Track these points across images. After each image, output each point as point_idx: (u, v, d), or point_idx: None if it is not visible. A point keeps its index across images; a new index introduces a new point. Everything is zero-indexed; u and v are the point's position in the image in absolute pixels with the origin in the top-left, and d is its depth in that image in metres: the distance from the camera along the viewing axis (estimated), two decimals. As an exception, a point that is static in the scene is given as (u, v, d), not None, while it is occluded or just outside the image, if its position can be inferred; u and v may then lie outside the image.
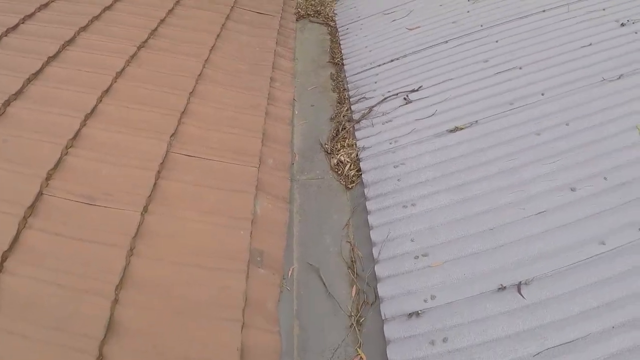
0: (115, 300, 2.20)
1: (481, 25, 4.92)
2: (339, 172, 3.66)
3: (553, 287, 2.45)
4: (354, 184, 3.54)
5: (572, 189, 2.91)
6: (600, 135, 3.19)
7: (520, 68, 4.09)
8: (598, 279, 2.43)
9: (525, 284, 2.49)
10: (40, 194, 2.55)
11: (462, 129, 3.62)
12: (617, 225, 2.66)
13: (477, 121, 3.66)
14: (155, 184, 2.81)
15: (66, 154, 2.83)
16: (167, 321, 2.22)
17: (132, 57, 3.91)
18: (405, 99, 4.18)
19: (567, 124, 3.36)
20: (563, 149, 3.19)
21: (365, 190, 3.37)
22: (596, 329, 2.25)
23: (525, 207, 2.89)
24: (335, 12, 6.81)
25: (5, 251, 2.22)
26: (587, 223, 2.71)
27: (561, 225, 2.72)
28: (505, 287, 2.51)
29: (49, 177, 2.64)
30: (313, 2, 7.11)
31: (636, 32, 4.08)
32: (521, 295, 2.46)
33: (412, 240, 2.90)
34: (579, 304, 2.35)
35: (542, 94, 3.73)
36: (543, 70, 3.98)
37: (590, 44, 4.07)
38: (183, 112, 3.44)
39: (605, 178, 2.93)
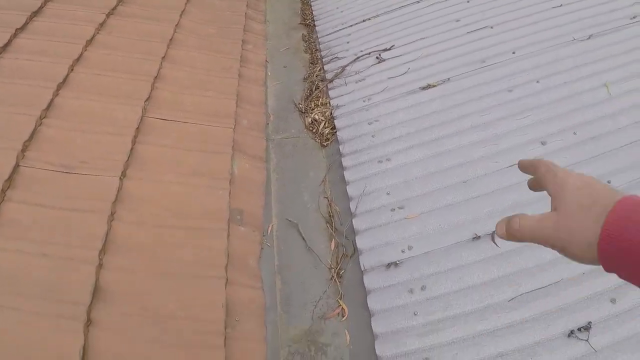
0: (100, 266, 2.23)
1: (452, -15, 4.93)
2: (314, 130, 3.69)
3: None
4: (329, 142, 3.56)
5: (543, 143, 2.98)
6: (570, 92, 3.25)
7: (491, 27, 4.12)
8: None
9: (497, 232, 2.55)
10: (17, 165, 2.54)
11: (434, 86, 3.65)
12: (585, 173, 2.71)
13: (449, 79, 3.69)
14: (132, 149, 2.81)
15: (40, 124, 2.81)
16: (152, 283, 2.25)
17: (102, 24, 3.87)
18: (377, 58, 4.19)
19: (537, 82, 3.42)
20: (534, 105, 3.25)
21: (341, 147, 3.40)
22: (568, 275, 2.33)
23: (497, 160, 2.95)
24: (304, -27, 6.77)
25: (-15, 225, 2.23)
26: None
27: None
28: (479, 237, 2.58)
29: (24, 148, 2.64)
30: (282, -36, 7.06)
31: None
32: (495, 243, 2.53)
33: (388, 194, 2.95)
34: (550, 252, 2.40)
35: (513, 53, 3.77)
36: (514, 30, 4.01)
37: (561, 5, 4.11)
38: (156, 77, 3.43)
39: (574, 133, 2.99)
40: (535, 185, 1.00)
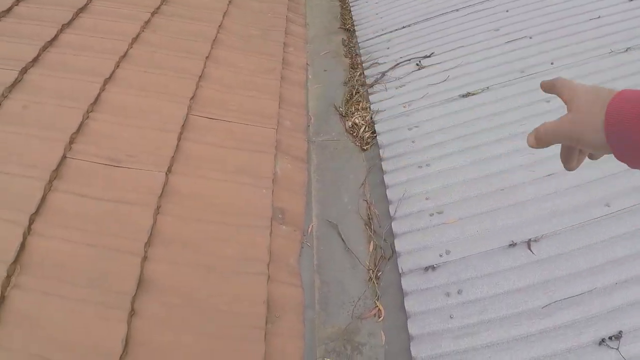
0: (145, 258, 2.28)
1: (491, -6, 4.95)
2: (354, 134, 3.72)
3: (561, 244, 2.54)
4: (369, 146, 3.59)
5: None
6: (607, 103, 3.25)
7: (530, 37, 4.13)
8: (603, 238, 2.52)
9: (535, 240, 2.57)
10: (64, 157, 2.61)
11: (474, 94, 3.67)
12: (621, 189, 2.74)
13: (488, 87, 3.70)
14: (177, 145, 2.87)
15: (87, 118, 2.89)
16: (196, 276, 2.30)
17: (147, 23, 3.95)
18: (417, 64, 4.22)
19: (576, 92, 3.42)
20: (572, 116, 3.25)
21: (381, 152, 3.43)
22: (601, 284, 2.33)
23: (535, 169, 2.95)
24: (344, -23, 6.81)
25: (33, 214, 2.28)
26: (594, 186, 2.78)
27: (569, 187, 2.80)
28: (515, 244, 2.59)
29: (72, 141, 2.71)
30: (322, -31, 7.10)
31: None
32: (531, 251, 2.54)
33: (427, 199, 2.97)
34: (584, 261, 2.44)
35: (552, 63, 3.77)
36: (553, 41, 4.01)
37: (599, 17, 4.10)
38: (200, 76, 3.49)
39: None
40: (546, 88, 1.18)
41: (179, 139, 2.91)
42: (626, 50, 3.68)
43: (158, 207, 2.50)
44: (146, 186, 2.58)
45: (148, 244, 2.33)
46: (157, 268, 2.27)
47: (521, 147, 3.11)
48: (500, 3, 4.75)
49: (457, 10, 4.90)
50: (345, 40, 5.14)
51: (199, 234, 2.47)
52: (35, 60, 3.20)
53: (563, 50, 3.86)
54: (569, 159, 1.13)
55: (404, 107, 3.76)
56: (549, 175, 2.89)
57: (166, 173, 2.66)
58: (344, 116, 3.91)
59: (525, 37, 4.16)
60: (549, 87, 1.16)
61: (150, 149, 2.78)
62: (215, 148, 2.98)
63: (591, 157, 1.12)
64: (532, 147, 1.09)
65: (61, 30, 3.55)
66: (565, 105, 1.03)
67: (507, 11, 4.59)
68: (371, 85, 4.15)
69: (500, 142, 3.20)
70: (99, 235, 2.30)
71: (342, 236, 2.97)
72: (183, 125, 3.00)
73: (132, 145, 2.79)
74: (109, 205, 2.45)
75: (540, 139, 1.06)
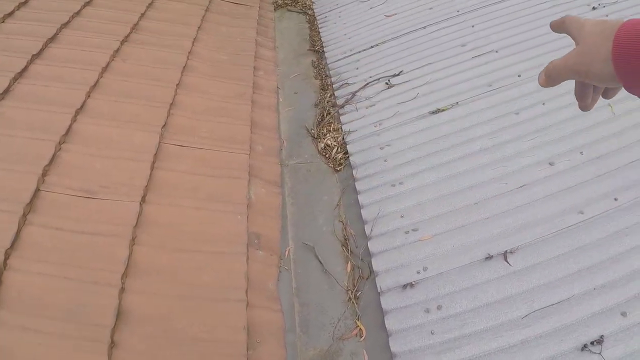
0: (122, 289, 2.27)
1: (457, 11, 5.01)
2: (327, 155, 3.74)
3: (537, 254, 2.59)
4: (341, 167, 3.61)
5: (551, 164, 3.04)
6: (576, 113, 3.31)
7: (496, 51, 4.20)
8: (578, 246, 2.57)
9: (511, 252, 2.61)
10: (37, 190, 2.59)
11: (444, 110, 3.72)
12: (593, 196, 2.80)
13: (457, 103, 3.76)
14: (150, 174, 2.87)
15: (59, 149, 2.87)
16: (174, 306, 2.29)
17: (116, 51, 3.95)
18: (387, 83, 4.27)
19: (543, 104, 3.50)
20: (541, 126, 3.33)
21: (354, 172, 3.45)
22: (578, 291, 2.37)
23: (507, 182, 3.00)
24: (312, 0, 6.85)
25: (8, 249, 2.26)
26: (566, 194, 2.85)
27: (542, 198, 2.86)
28: (492, 256, 2.63)
29: (44, 173, 2.69)
30: (289, -9, 7.15)
31: (607, 15, 4.19)
32: (507, 262, 2.58)
33: (402, 217, 3.00)
34: (561, 269, 2.49)
35: (519, 76, 3.85)
36: (518, 54, 4.10)
37: (562, 31, 4.18)
38: (171, 103, 3.50)
39: (581, 152, 3.06)
40: (555, 26, 1.14)
41: (152, 168, 2.91)
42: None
43: (133, 238, 2.50)
44: (121, 217, 2.57)
45: (125, 275, 2.32)
46: (135, 299, 2.26)
47: (492, 161, 3.16)
48: (466, 19, 4.83)
49: (424, 27, 4.97)
50: (314, 62, 5.18)
51: (176, 263, 2.47)
52: (5, 91, 3.18)
53: (529, 62, 3.93)
54: (584, 96, 1.14)
55: (375, 126, 3.79)
56: (520, 186, 2.95)
57: (140, 203, 2.66)
58: (316, 138, 3.93)
59: (492, 51, 4.23)
60: (558, 26, 1.14)
61: (123, 179, 2.78)
62: (188, 175, 2.98)
63: (605, 95, 1.13)
64: (543, 86, 1.09)
65: (31, 61, 3.54)
66: (576, 37, 1.02)
67: (472, 26, 4.67)
68: (342, 106, 4.18)
69: (470, 156, 3.25)
70: (75, 268, 2.29)
71: (320, 258, 2.98)
72: (155, 154, 3.00)
73: (105, 176, 2.79)
74: (84, 237, 2.44)
75: (549, 76, 1.06)
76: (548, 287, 2.42)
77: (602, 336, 2.19)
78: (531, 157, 3.12)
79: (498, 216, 2.82)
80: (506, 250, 2.62)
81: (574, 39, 1.02)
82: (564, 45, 3.94)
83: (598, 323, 2.25)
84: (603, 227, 2.61)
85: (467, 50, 4.38)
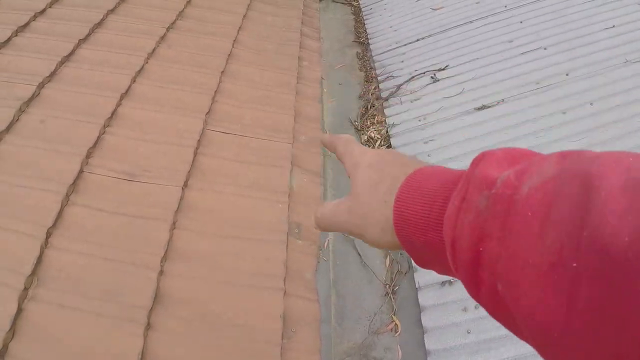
0: (161, 272, 2.29)
1: (505, 6, 4.96)
2: (370, 147, 3.73)
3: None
4: (385, 160, 3.60)
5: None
6: (623, 115, 3.25)
7: (545, 49, 4.15)
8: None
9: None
10: (81, 171, 2.63)
11: (489, 107, 3.69)
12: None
13: (503, 100, 3.72)
14: (193, 160, 2.89)
15: (104, 133, 2.91)
16: (212, 291, 2.31)
17: (162, 38, 3.98)
18: (432, 77, 4.25)
19: (591, 104, 3.44)
20: (588, 127, 3.27)
21: (397, 166, 3.44)
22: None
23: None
24: (358, -10, 6.85)
25: (50, 227, 2.30)
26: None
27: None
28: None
29: (88, 155, 2.73)
30: (335, -18, 7.14)
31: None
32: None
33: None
34: None
35: (567, 74, 3.79)
36: (567, 52, 4.03)
37: (613, 26, 4.11)
38: (216, 90, 3.51)
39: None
40: (327, 146, 0.92)
41: (195, 154, 2.93)
42: (640, 59, 3.69)
43: (174, 222, 2.52)
44: (162, 201, 2.59)
45: (164, 258, 2.34)
46: (173, 283, 2.28)
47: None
48: (513, 15, 4.77)
49: (470, 22, 4.93)
50: (359, 54, 5.18)
51: (215, 248, 2.48)
52: (52, 75, 3.23)
53: (577, 62, 3.87)
54: None
55: (419, 120, 3.77)
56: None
57: (182, 188, 2.68)
58: (359, 130, 3.92)
59: (540, 48, 4.18)
60: (328, 145, 0.92)
61: (166, 164, 2.80)
62: (231, 162, 2.99)
63: None
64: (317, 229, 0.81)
65: (78, 46, 3.58)
66: (350, 178, 0.78)
67: (520, 22, 4.61)
68: (386, 99, 4.17)
69: (517, 155, 3.21)
70: (115, 249, 2.31)
71: (359, 251, 2.97)
72: (199, 140, 3.02)
73: (148, 160, 2.81)
74: (125, 219, 2.46)
75: (317, 224, 0.80)
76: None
77: None
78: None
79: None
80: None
81: (347, 173, 0.78)
82: (616, 44, 3.88)
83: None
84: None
85: (515, 47, 4.33)
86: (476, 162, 0.54)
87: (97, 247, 2.30)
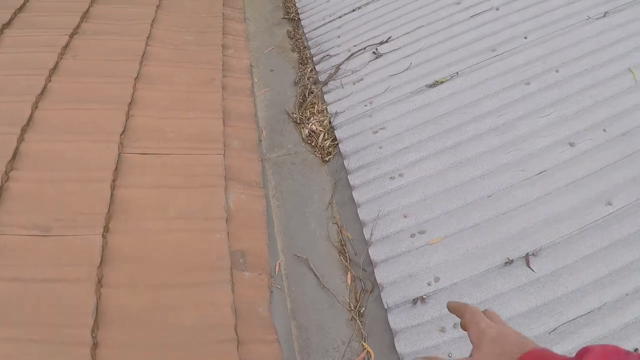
0: (95, 345, 2.08)
1: (447, -36, 4.75)
2: (313, 143, 3.53)
3: (562, 256, 2.41)
4: (331, 156, 3.40)
5: (571, 144, 2.85)
6: (593, 81, 3.13)
7: (497, 9, 3.98)
8: (608, 244, 2.40)
9: (533, 255, 2.45)
10: (-14, 234, 2.40)
11: (442, 82, 3.50)
12: (621, 182, 2.63)
13: (457, 73, 3.54)
14: (112, 195, 2.66)
15: (7, 179, 2.66)
16: (155, 356, 2.11)
17: (65, 47, 3.71)
18: (374, 52, 4.04)
19: (556, 71, 3.30)
20: (555, 98, 3.14)
21: (345, 162, 3.24)
22: (610, 298, 2.23)
23: (524, 167, 2.82)
24: (281, -41, 6.58)
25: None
26: (591, 181, 2.67)
27: (564, 186, 2.68)
28: (512, 261, 2.46)
29: (-8, 211, 2.49)
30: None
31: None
32: (530, 268, 2.40)
33: (405, 216, 2.80)
34: (590, 273, 2.33)
35: (525, 37, 3.64)
36: (522, 11, 3.88)
37: (569, -25, 3.94)
38: (130, 102, 3.27)
39: (604, 130, 2.87)
40: (454, 312, 1.11)
41: (113, 188, 2.70)
42: (604, 15, 3.55)
43: (100, 280, 2.30)
44: (82, 255, 2.36)
45: (95, 327, 2.13)
46: (110, 354, 2.08)
47: (504, 143, 2.97)
48: (457, -31, 4.57)
49: (410, -17, 4.72)
50: (290, 32, 4.94)
51: (151, 303, 2.28)
52: None
53: (535, 21, 3.72)
54: None
55: (365, 105, 3.57)
56: (539, 173, 2.77)
57: (103, 235, 2.45)
58: (299, 123, 3.71)
59: (492, 8, 4.01)
60: (455, 313, 1.12)
61: (81, 207, 2.57)
62: (155, 191, 2.77)
63: None
64: None
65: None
66: (473, 344, 0.99)
67: (466, -22, 4.42)
68: (325, 83, 3.95)
69: (479, 138, 3.06)
70: (40, 327, 2.10)
71: (315, 271, 2.80)
72: (115, 170, 2.78)
73: (60, 205, 2.58)
74: (44, 286, 2.24)
75: None
76: (576, 296, 2.27)
77: (637, 349, 2.08)
78: (548, 137, 2.92)
79: (516, 211, 2.63)
80: (528, 253, 2.45)
81: (470, 341, 1.00)
82: (572, 0, 3.72)
83: (632, 335, 2.12)
84: (635, 220, 2.44)
85: (464, 9, 4.14)
86: (580, 355, 0.75)
87: (20, 328, 2.09)
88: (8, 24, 3.91)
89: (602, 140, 2.82)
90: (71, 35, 3.85)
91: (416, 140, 3.15)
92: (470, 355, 0.96)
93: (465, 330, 1.05)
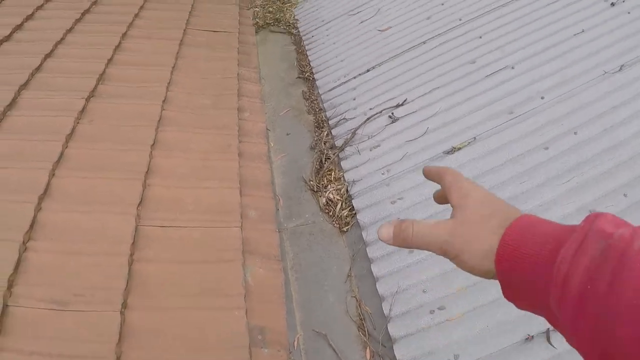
0: None
1: (460, 19, 4.81)
2: (330, 212, 3.54)
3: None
4: (349, 226, 3.42)
5: (592, 212, 2.83)
6: (612, 141, 3.12)
7: (512, 67, 3.99)
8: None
9: (554, 330, 2.42)
10: (5, 306, 2.40)
11: (460, 148, 3.51)
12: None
13: (475, 138, 3.54)
14: (129, 270, 2.67)
15: (25, 250, 2.67)
16: None
17: (81, 112, 3.76)
18: (390, 116, 4.07)
19: (575, 133, 3.28)
20: (575, 162, 3.12)
21: (363, 234, 3.25)
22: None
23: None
24: (296, 17, 6.67)
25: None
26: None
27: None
28: (532, 337, 2.45)
29: (10, 284, 2.50)
30: (271, 10, 6.96)
31: (629, 12, 3.99)
32: (551, 344, 2.39)
33: (424, 292, 2.80)
34: None
35: (542, 98, 3.64)
36: (538, 68, 3.89)
37: (583, 31, 3.97)
38: (147, 172, 3.29)
39: (625, 195, 2.85)
40: (440, 198, 1.01)
41: (130, 262, 2.71)
42: (620, 68, 3.56)
43: (118, 357, 2.31)
44: (101, 332, 2.37)
45: (111, 408, 2.14)
46: None
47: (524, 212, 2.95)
48: (471, 28, 4.63)
49: (424, 42, 4.78)
50: (305, 93, 4.99)
51: (168, 385, 2.28)
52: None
53: (552, 79, 3.73)
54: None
55: (383, 174, 3.59)
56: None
57: (121, 311, 2.46)
58: (316, 191, 3.73)
59: (507, 67, 4.04)
60: (434, 178, 1.01)
61: (99, 282, 2.58)
62: (173, 265, 2.78)
63: None
64: (384, 241, 0.91)
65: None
66: (455, 207, 0.89)
67: (480, 37, 4.48)
68: (342, 148, 3.98)
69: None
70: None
71: (334, 346, 2.79)
72: (133, 244, 2.80)
73: (78, 279, 2.59)
74: (61, 362, 2.25)
75: (403, 240, 0.89)
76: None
77: None
78: (570, 205, 2.92)
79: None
80: (548, 329, 2.44)
81: (452, 205, 0.90)
82: (589, 52, 3.75)
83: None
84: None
85: (478, 68, 4.17)
86: (592, 219, 0.71)
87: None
88: (25, 85, 3.97)
89: (623, 206, 2.82)
90: (87, 99, 3.90)
91: (435, 212, 3.15)
92: (452, 217, 0.87)
93: (443, 198, 0.97)
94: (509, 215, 0.80)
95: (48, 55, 4.45)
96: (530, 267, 0.72)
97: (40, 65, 4.28)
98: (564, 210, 2.89)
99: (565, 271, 0.65)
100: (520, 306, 0.79)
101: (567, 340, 0.68)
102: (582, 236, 0.68)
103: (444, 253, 0.85)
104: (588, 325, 0.61)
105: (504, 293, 0.79)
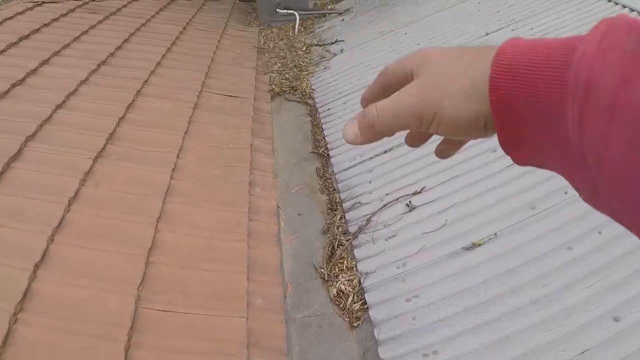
0: None
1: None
2: (341, 305, 3.41)
3: None
4: (359, 321, 3.28)
5: (616, 319, 2.73)
6: (634, 243, 3.01)
7: (533, 159, 3.92)
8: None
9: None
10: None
11: (479, 244, 3.40)
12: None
13: (495, 234, 3.44)
14: (126, 357, 2.54)
15: (15, 322, 2.56)
16: None
17: (87, 173, 3.68)
18: (407, 205, 3.97)
19: (599, 232, 3.18)
20: (599, 264, 3.02)
21: (375, 331, 3.12)
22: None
23: (566, 347, 2.69)
24: (312, 87, 6.64)
25: None
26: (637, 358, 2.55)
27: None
28: None
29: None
30: (288, 77, 6.94)
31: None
32: None
33: (439, 400, 2.67)
34: None
35: (565, 193, 3.55)
36: (559, 159, 3.80)
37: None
38: (151, 248, 3.19)
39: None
40: (412, 139, 0.90)
41: (127, 349, 2.59)
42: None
43: None
44: None
45: None
46: None
47: (546, 318, 2.86)
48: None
49: (443, 126, 4.70)
50: (319, 170, 4.90)
51: None
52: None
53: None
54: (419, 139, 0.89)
55: (398, 267, 3.47)
56: (582, 353, 2.64)
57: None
58: (327, 280, 3.61)
59: (529, 156, 3.95)
60: (376, 94, 0.85)
61: (94, 369, 2.46)
62: (174, 355, 2.65)
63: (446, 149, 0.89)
64: (353, 142, 0.82)
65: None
66: (417, 68, 0.75)
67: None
68: (355, 236, 3.87)
69: (519, 312, 2.93)
70: None
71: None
72: (131, 328, 2.68)
73: (71, 362, 2.47)
74: None
75: (372, 127, 0.77)
76: None
77: None
78: (593, 310, 2.80)
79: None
80: None
81: (413, 74, 0.75)
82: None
83: None
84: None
85: (499, 157, 4.09)
86: (608, 19, 0.55)
87: None
88: (32, 136, 3.91)
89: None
90: (95, 159, 3.83)
91: (452, 312, 3.03)
92: (416, 78, 0.74)
93: (414, 138, 0.90)
94: (485, 49, 0.67)
95: (59, 106, 4.42)
96: (532, 86, 0.58)
97: (50, 116, 4.24)
98: (586, 316, 2.79)
99: (586, 77, 0.52)
100: (522, 155, 0.67)
101: (588, 191, 0.57)
102: (602, 31, 0.54)
103: (420, 118, 0.71)
104: (622, 152, 0.49)
105: (501, 140, 0.66)
